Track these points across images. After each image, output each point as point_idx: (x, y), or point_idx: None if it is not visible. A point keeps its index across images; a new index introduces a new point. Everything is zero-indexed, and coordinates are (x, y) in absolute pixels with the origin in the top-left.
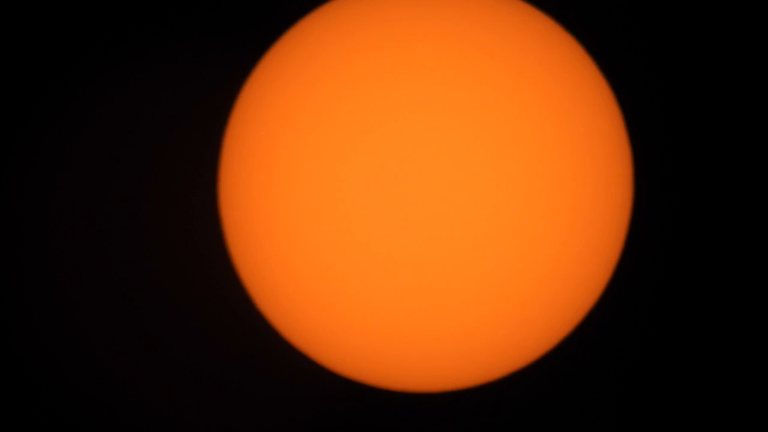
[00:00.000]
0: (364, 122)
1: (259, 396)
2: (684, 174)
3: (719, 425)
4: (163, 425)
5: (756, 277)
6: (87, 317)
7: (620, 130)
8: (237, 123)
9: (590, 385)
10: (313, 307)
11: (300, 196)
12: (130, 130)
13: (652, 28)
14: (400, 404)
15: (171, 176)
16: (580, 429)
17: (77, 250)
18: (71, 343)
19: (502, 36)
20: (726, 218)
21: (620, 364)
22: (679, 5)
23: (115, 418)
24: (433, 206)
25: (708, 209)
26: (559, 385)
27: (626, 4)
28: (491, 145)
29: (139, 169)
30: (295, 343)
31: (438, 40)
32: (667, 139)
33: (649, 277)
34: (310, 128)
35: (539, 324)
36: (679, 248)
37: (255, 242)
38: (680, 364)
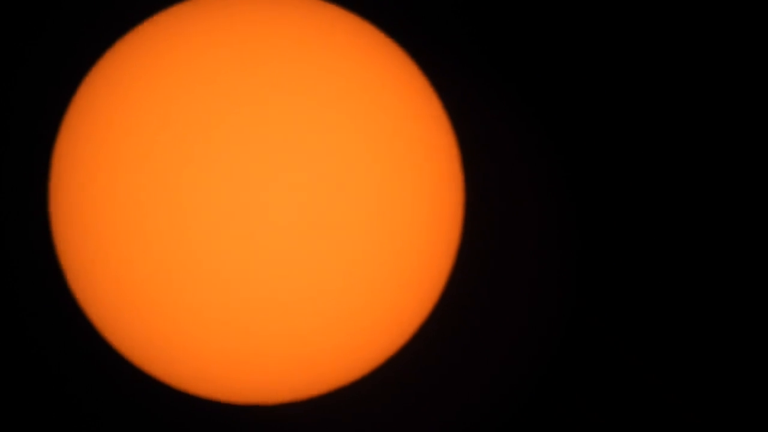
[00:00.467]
0: (185, 129)
1: (82, 400)
2: (513, 181)
3: None
4: None
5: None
6: None
7: (448, 134)
8: (69, 128)
9: (424, 396)
10: (145, 318)
11: (128, 202)
12: None
13: (479, 35)
14: (238, 416)
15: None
16: None
17: None
18: None
19: (324, 44)
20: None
21: (452, 374)
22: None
23: None
24: (259, 215)
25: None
26: (390, 397)
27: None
28: (316, 151)
29: None
30: (124, 353)
31: (256, 48)
32: (499, 150)
33: (481, 286)
34: (132, 136)
35: (364, 340)
36: (509, 257)
37: (82, 246)
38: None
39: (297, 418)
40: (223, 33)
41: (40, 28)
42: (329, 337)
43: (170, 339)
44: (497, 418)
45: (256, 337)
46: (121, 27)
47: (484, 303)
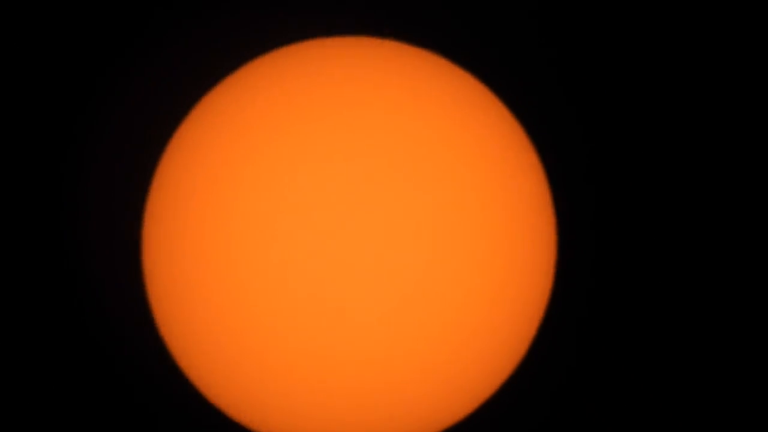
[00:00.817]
0: (285, 178)
1: None
2: (608, 228)
3: None
4: None
5: (678, 340)
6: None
7: (543, 186)
8: (163, 174)
9: None
10: (239, 367)
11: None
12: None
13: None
14: None
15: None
16: None
17: None
18: None
19: (422, 91)
20: (650, 269)
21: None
22: (596, 52)
23: None
24: (356, 266)
25: (631, 261)
26: None
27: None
28: (412, 201)
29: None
30: (217, 402)
31: (355, 95)
32: (593, 196)
33: (574, 336)
34: (232, 187)
35: (460, 384)
36: (604, 304)
37: (176, 298)
38: (606, 421)
39: None
40: (314, 83)
41: (128, 82)
42: (418, 390)
43: (264, 391)
44: None
45: (349, 391)
46: (208, 77)
47: (572, 359)
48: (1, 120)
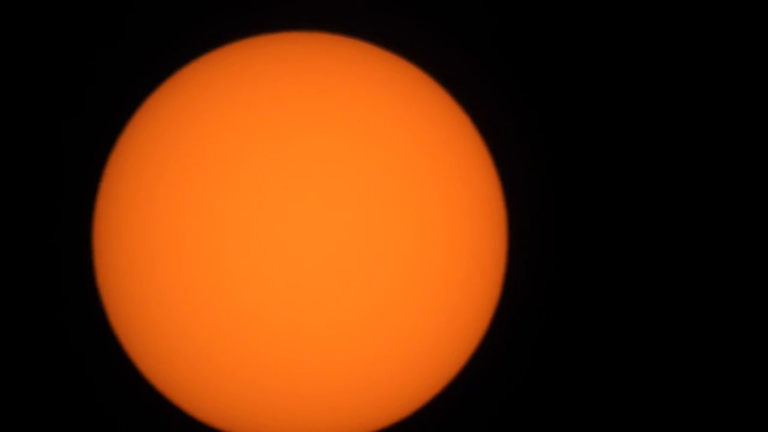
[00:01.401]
0: (237, 176)
1: None
2: (561, 221)
3: None
4: None
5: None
6: None
7: (493, 180)
8: (113, 168)
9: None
10: (188, 359)
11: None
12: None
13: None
14: None
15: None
16: None
17: None
18: None
19: (374, 88)
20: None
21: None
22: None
23: None
24: (307, 261)
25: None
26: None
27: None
28: (363, 193)
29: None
30: (168, 395)
31: (309, 92)
32: (542, 194)
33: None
34: (184, 179)
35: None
36: (558, 300)
37: (125, 287)
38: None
39: None
40: (268, 74)
41: (89, 68)
42: (370, 380)
43: (204, 374)
44: None
45: (301, 378)
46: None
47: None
48: None
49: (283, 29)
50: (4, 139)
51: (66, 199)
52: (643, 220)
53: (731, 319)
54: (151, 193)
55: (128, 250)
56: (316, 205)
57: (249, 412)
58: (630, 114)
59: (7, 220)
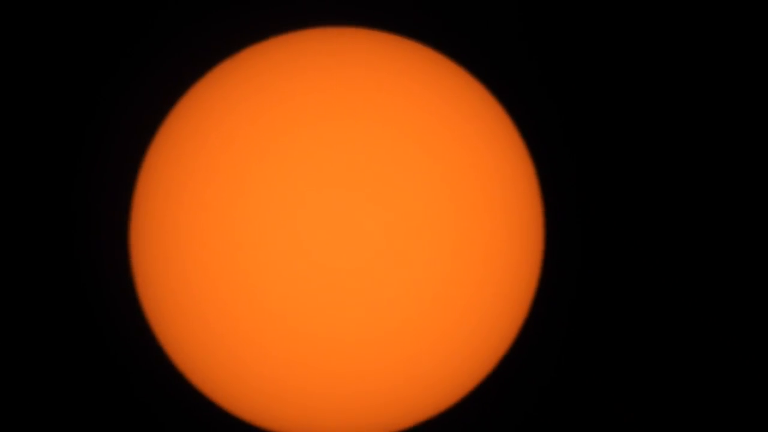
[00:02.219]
0: (271, 179)
1: None
2: (596, 221)
3: None
4: None
5: (668, 334)
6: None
7: (530, 174)
8: (147, 174)
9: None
10: (226, 358)
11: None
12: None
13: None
14: None
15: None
16: None
17: None
18: None
19: (411, 84)
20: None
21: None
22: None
23: None
24: (343, 258)
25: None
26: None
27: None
28: (396, 193)
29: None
30: (207, 392)
31: (346, 87)
32: (580, 190)
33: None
34: (219, 182)
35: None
36: (591, 299)
37: (166, 290)
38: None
39: None
40: (304, 71)
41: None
42: (405, 377)
43: (252, 380)
44: None
45: (338, 377)
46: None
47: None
48: None
49: (317, 25)
50: (41, 141)
51: (102, 200)
52: (684, 224)
53: None
54: (187, 193)
55: (164, 256)
56: (355, 202)
57: (287, 410)
58: (679, 119)
59: (43, 221)
